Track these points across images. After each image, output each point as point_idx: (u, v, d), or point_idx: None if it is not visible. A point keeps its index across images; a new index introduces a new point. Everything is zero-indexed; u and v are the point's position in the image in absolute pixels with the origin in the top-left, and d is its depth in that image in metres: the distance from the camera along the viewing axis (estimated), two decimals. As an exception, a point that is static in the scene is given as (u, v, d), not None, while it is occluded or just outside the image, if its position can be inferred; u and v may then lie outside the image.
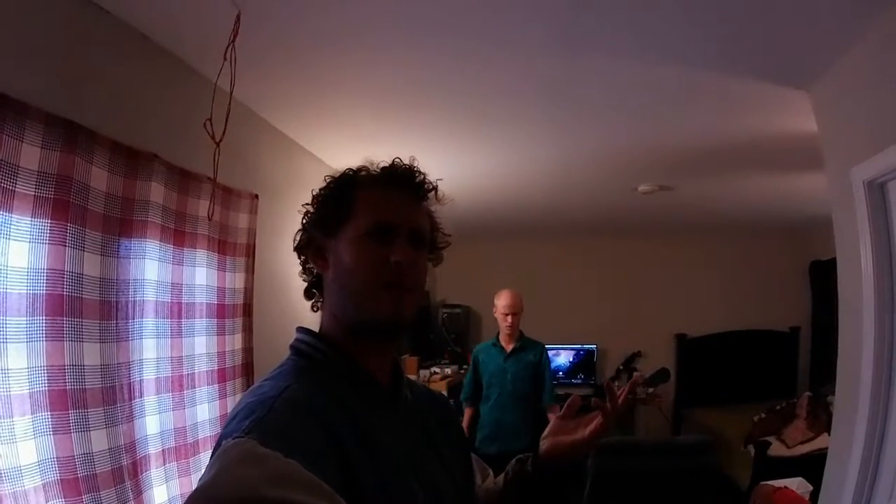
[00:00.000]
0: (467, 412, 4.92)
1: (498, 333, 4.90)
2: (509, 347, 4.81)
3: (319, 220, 1.21)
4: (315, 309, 1.26)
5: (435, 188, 1.26)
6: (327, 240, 1.19)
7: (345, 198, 1.19)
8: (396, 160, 1.23)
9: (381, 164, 1.23)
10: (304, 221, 1.25)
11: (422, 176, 1.23)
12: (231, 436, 0.89)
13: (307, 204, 1.25)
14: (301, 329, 1.21)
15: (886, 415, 2.38)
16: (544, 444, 1.36)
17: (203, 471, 0.84)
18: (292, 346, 1.19)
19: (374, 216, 1.15)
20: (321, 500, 0.77)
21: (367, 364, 1.16)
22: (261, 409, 0.94)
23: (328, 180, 1.24)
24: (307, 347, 1.16)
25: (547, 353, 4.89)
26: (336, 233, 1.17)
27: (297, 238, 1.26)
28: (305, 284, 1.27)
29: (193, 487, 0.79)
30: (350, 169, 1.24)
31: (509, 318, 4.74)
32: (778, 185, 5.23)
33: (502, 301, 4.79)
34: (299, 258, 1.27)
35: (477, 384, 4.92)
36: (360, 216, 1.16)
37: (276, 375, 1.09)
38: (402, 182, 1.21)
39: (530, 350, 4.82)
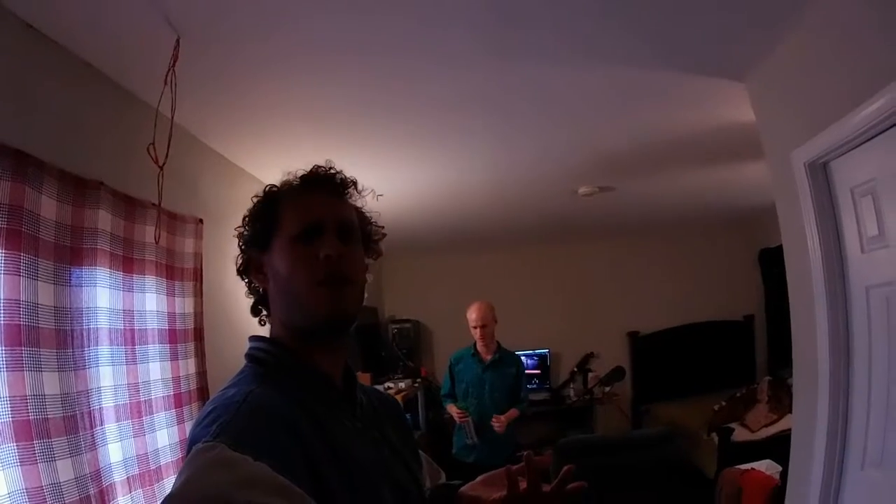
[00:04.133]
0: (450, 406, 4.95)
1: (475, 342, 4.98)
2: (487, 358, 4.91)
3: (252, 238, 1.25)
4: (262, 324, 1.29)
5: (354, 182, 1.31)
6: (262, 255, 1.23)
7: (271, 211, 1.23)
8: (314, 166, 1.28)
9: (300, 172, 1.28)
10: (240, 243, 1.28)
11: (340, 174, 1.29)
12: (200, 440, 0.90)
13: (240, 227, 1.29)
14: (254, 337, 1.22)
15: (849, 386, 2.46)
16: (468, 489, 1.35)
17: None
18: (248, 355, 1.20)
19: (298, 219, 1.19)
20: (291, 502, 0.80)
21: (321, 368, 1.19)
22: (227, 414, 0.96)
23: (254, 200, 1.29)
24: (263, 354, 1.18)
25: (523, 365, 5.06)
26: (268, 246, 1.21)
27: (238, 261, 1.29)
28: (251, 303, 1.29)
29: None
30: (272, 184, 1.28)
31: (478, 331, 4.88)
32: (720, 177, 5.34)
33: (471, 314, 4.93)
34: (243, 279, 1.29)
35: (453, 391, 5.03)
36: (287, 224, 1.20)
37: (237, 382, 1.11)
38: (321, 183, 1.26)
39: (509, 363, 4.97)
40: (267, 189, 1.28)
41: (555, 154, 4.41)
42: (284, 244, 1.18)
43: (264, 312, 1.28)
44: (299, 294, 1.15)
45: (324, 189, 1.25)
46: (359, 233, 1.28)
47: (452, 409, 4.84)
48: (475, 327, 4.89)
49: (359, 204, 1.32)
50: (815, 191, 2.55)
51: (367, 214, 1.35)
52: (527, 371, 7.90)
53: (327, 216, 1.21)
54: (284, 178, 1.28)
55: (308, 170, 1.27)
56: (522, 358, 7.89)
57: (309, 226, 1.18)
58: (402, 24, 2.45)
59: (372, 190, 1.35)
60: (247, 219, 1.27)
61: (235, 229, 1.29)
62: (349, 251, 1.20)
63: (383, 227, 1.38)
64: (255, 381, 1.08)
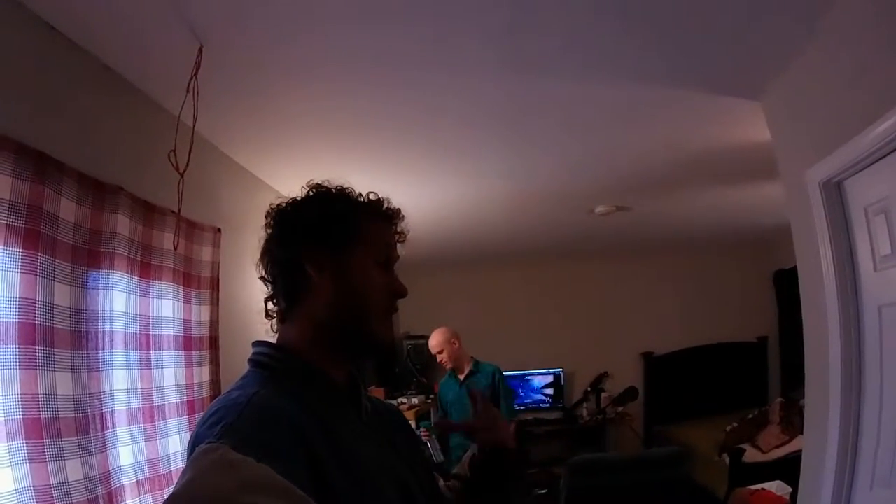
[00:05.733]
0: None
1: None
2: (462, 376, 5.05)
3: (328, 233, 1.21)
4: (283, 319, 1.24)
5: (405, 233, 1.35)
6: (329, 252, 1.20)
7: (354, 219, 1.23)
8: (378, 196, 1.31)
9: (370, 195, 1.29)
10: (299, 226, 1.23)
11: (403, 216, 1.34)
12: (203, 441, 0.90)
13: (291, 205, 1.26)
14: (258, 342, 1.21)
15: (860, 405, 2.44)
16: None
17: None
18: (251, 360, 1.19)
19: (385, 248, 1.26)
20: None
21: (329, 373, 1.19)
22: (231, 415, 0.95)
23: (321, 193, 1.27)
24: (267, 359, 1.17)
25: (501, 374, 5.08)
26: (338, 249, 1.20)
27: (283, 237, 1.24)
28: (276, 290, 1.25)
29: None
30: (349, 191, 1.28)
31: (437, 358, 5.08)
32: (736, 197, 5.35)
33: (429, 343, 5.12)
34: (288, 263, 1.22)
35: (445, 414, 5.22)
36: (373, 242, 1.24)
37: (242, 385, 1.10)
38: (397, 222, 1.31)
39: (482, 374, 5.04)
40: (345, 193, 1.28)
41: (572, 172, 4.43)
42: (367, 260, 1.22)
43: (274, 309, 1.26)
44: (372, 314, 1.21)
45: (397, 228, 1.31)
46: None
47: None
48: (433, 354, 5.11)
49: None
50: (829, 210, 2.54)
51: None
52: (540, 388, 7.99)
53: (396, 256, 1.30)
54: (350, 188, 1.29)
55: (379, 197, 1.30)
56: (547, 376, 7.98)
57: (391, 258, 1.27)
58: (420, 36, 2.48)
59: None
60: (320, 210, 1.24)
61: (284, 205, 1.28)
62: None
63: None
64: (259, 384, 1.08)
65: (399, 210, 1.32)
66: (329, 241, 1.20)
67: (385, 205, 1.30)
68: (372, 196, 1.29)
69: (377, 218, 1.27)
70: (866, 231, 2.40)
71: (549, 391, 8.06)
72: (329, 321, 1.19)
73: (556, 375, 8.08)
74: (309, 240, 1.21)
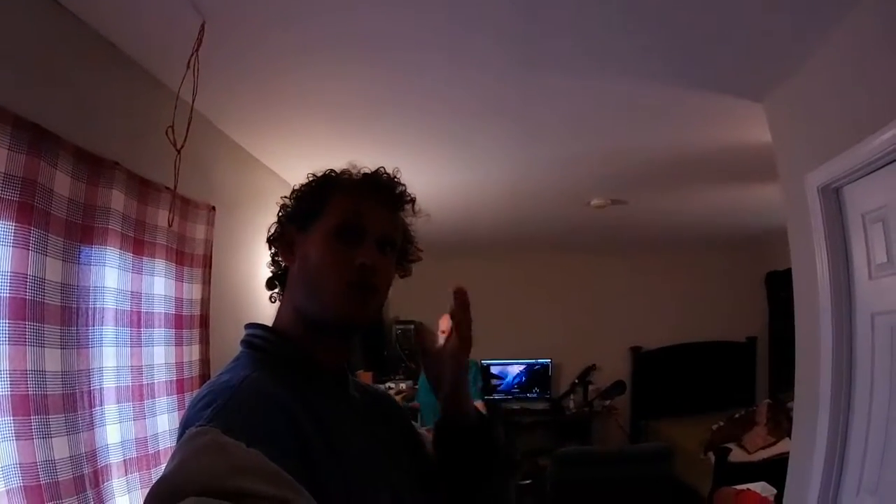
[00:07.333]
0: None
1: None
2: None
3: (293, 214, 1.23)
4: (273, 300, 1.27)
5: (412, 200, 1.28)
6: (299, 234, 1.20)
7: (320, 196, 1.20)
8: (381, 169, 1.25)
9: (365, 170, 1.25)
10: (280, 213, 1.26)
11: (401, 187, 1.26)
12: (194, 424, 0.89)
13: (286, 197, 1.27)
14: (251, 325, 1.20)
15: (849, 412, 2.45)
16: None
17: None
18: (244, 341, 1.18)
19: (343, 218, 1.17)
20: (283, 491, 0.79)
21: (320, 359, 1.17)
22: (222, 398, 0.95)
23: (310, 177, 1.26)
24: (260, 341, 1.16)
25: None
26: (306, 228, 1.19)
27: (272, 229, 1.27)
28: (269, 274, 1.29)
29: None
30: (332, 170, 1.25)
31: (441, 337, 5.07)
32: (732, 196, 5.35)
33: (442, 324, 5.10)
34: (270, 249, 1.28)
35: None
36: (331, 216, 1.17)
37: (234, 367, 1.09)
38: (379, 189, 1.23)
39: None
40: (325, 172, 1.25)
41: (570, 164, 4.41)
42: (323, 235, 1.16)
43: (277, 290, 1.27)
44: (325, 290, 1.14)
45: (380, 195, 1.23)
46: (397, 248, 1.26)
47: None
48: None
49: (408, 220, 1.30)
50: (827, 215, 2.55)
51: (412, 233, 1.33)
52: (528, 379, 8.04)
53: (373, 225, 1.19)
54: (346, 167, 1.26)
55: (372, 169, 1.25)
56: (519, 366, 8.05)
57: (352, 227, 1.17)
58: (427, 23, 2.46)
59: (427, 214, 1.33)
60: (295, 193, 1.26)
61: (281, 198, 1.27)
62: (383, 262, 1.19)
63: (422, 250, 1.36)
64: (251, 367, 1.07)
65: (384, 177, 1.25)
66: (298, 222, 1.21)
67: (356, 173, 1.25)
68: (365, 170, 1.25)
69: (349, 190, 1.21)
70: (863, 238, 2.40)
71: (522, 379, 8.11)
72: (301, 302, 1.18)
73: (545, 366, 8.11)
74: (280, 226, 1.25)
